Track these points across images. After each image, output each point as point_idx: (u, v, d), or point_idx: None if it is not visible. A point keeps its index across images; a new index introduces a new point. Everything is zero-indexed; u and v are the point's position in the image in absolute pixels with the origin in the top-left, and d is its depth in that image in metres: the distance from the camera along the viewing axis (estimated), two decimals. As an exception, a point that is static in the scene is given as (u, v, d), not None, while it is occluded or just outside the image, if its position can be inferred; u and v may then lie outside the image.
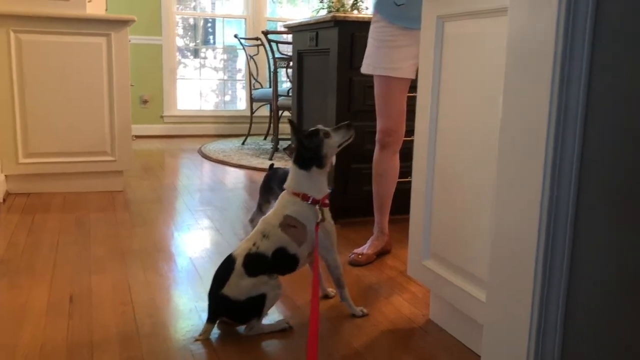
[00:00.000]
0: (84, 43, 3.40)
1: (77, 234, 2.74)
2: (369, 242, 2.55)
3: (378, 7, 2.31)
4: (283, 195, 1.89)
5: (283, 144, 5.27)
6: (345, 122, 1.93)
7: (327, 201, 1.88)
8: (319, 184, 1.85)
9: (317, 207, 1.83)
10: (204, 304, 2.00)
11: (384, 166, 2.46)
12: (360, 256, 2.47)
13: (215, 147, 5.43)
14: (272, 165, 2.74)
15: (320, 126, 1.88)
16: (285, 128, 5.60)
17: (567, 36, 1.07)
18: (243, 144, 5.66)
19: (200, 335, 1.76)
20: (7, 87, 3.30)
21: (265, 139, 5.95)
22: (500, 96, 1.25)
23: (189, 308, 1.98)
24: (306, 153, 1.83)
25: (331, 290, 2.08)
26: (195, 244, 2.68)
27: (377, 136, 2.44)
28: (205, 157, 4.98)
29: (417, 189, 1.87)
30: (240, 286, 1.74)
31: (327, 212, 1.88)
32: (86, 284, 2.15)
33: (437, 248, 1.80)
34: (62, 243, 2.60)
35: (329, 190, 1.90)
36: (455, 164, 1.69)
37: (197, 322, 1.86)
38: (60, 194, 3.45)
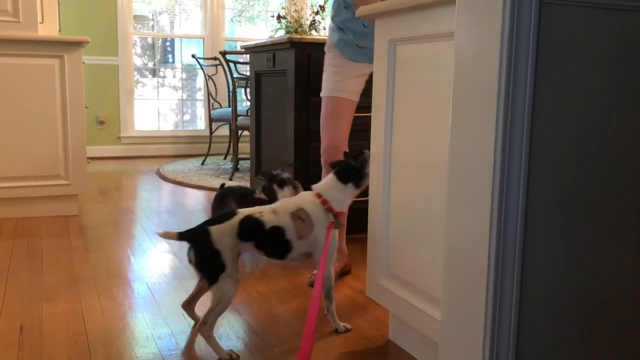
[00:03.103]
0: (36, 65, 3.32)
1: (29, 261, 2.66)
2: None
3: (341, 47, 2.41)
4: (306, 192, 2.00)
5: (243, 164, 5.25)
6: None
7: (342, 215, 2.00)
8: (344, 199, 1.98)
9: (330, 215, 1.92)
10: (161, 330, 1.97)
11: None
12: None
13: (173, 168, 5.37)
14: (223, 184, 2.81)
15: (366, 151, 1.98)
16: (244, 147, 5.59)
17: (511, 56, 1.10)
18: (202, 164, 5.62)
19: (161, 234, 1.85)
20: (-45, 111, 3.20)
21: (225, 158, 5.91)
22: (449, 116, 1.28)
23: (145, 335, 1.93)
24: (352, 170, 1.97)
25: (344, 325, 2.02)
26: (152, 269, 2.63)
27: (323, 157, 2.48)
28: (164, 178, 4.91)
29: (374, 210, 1.88)
30: (222, 239, 1.79)
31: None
32: (37, 313, 2.08)
33: (394, 268, 1.81)
34: (12, 271, 2.51)
35: (345, 209, 2.03)
36: (410, 185, 1.71)
37: (154, 350, 1.82)
38: (11, 219, 3.34)
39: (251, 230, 1.84)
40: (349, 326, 2.01)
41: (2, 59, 3.26)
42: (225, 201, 2.64)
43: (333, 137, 2.45)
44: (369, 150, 1.93)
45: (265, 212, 1.88)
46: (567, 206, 1.20)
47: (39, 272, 2.51)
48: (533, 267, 1.20)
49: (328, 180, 1.99)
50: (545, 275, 1.21)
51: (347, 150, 2.47)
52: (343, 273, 2.56)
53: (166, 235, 1.85)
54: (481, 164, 1.18)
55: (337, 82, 2.43)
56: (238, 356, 1.79)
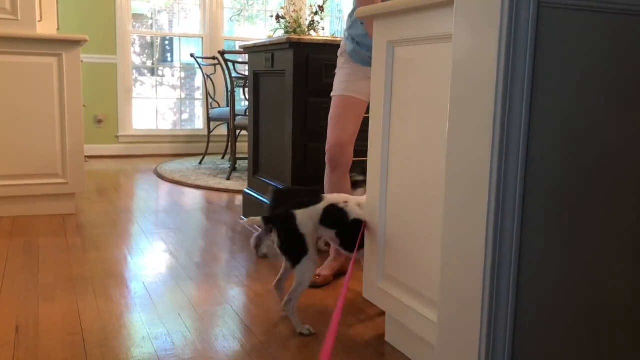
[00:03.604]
0: (35, 63, 3.32)
1: (26, 259, 2.65)
2: (326, 264, 2.55)
3: (353, 56, 2.45)
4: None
5: (241, 163, 5.25)
6: None
7: None
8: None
9: None
10: (158, 330, 1.97)
11: (335, 188, 2.49)
12: (317, 277, 2.46)
13: (171, 167, 5.37)
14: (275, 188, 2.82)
15: None
16: (242, 147, 5.59)
17: (509, 59, 1.10)
18: (200, 163, 5.61)
19: (248, 221, 1.94)
20: (-48, 109, 3.19)
21: (222, 158, 5.91)
22: (447, 118, 1.28)
23: (141, 336, 1.93)
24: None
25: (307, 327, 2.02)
26: (149, 268, 2.63)
27: (328, 155, 2.49)
28: (162, 177, 4.91)
29: (371, 211, 1.88)
30: (306, 223, 1.91)
31: None
32: (33, 312, 2.08)
33: (391, 270, 1.81)
34: (9, 270, 2.51)
35: None
36: (408, 187, 1.71)
37: (150, 350, 1.82)
38: (8, 218, 3.34)
39: (335, 219, 1.95)
40: (312, 330, 1.97)
41: (0, 57, 3.26)
42: (285, 197, 2.59)
43: (339, 136, 2.46)
44: None
45: (350, 203, 1.98)
46: (564, 208, 1.20)
47: (36, 271, 2.51)
48: (529, 270, 1.20)
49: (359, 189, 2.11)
50: (541, 278, 1.21)
51: (351, 149, 2.47)
52: (340, 274, 2.56)
53: (252, 222, 1.95)
54: (478, 166, 1.18)
55: (347, 83, 2.46)
56: (315, 333, 1.94)
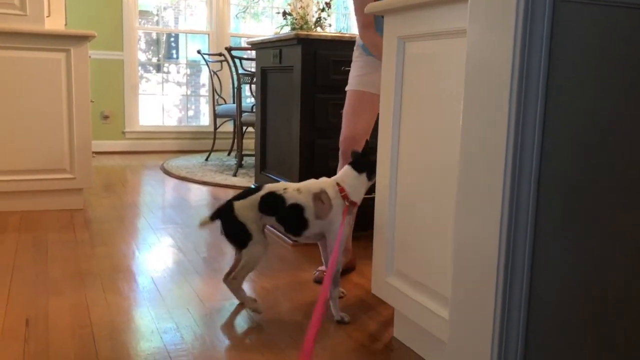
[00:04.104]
0: (43, 59, 3.33)
1: (34, 254, 2.66)
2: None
3: (366, 49, 2.44)
4: (327, 178, 2.13)
5: (247, 160, 5.26)
6: None
7: (355, 206, 2.11)
8: (358, 188, 2.09)
9: (346, 202, 2.05)
10: (166, 325, 1.97)
11: None
12: (324, 273, 2.47)
13: (178, 164, 5.38)
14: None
15: None
16: (249, 144, 5.59)
17: (524, 54, 1.10)
18: (206, 160, 5.62)
19: (200, 222, 2.05)
20: (-39, 103, 3.21)
21: (228, 154, 5.92)
22: (459, 114, 1.27)
23: (150, 330, 1.94)
24: (367, 160, 2.08)
25: (342, 315, 2.07)
26: (157, 263, 2.63)
27: (341, 147, 2.50)
28: (168, 173, 4.92)
29: (380, 206, 1.88)
30: (245, 212, 2.01)
31: (353, 213, 2.12)
32: (43, 306, 2.09)
33: (400, 265, 1.81)
34: (18, 264, 2.52)
35: (358, 201, 2.11)
36: (417, 182, 1.71)
37: (159, 345, 1.83)
38: (16, 213, 3.35)
39: (272, 206, 2.03)
40: (347, 318, 2.03)
41: (8, 52, 3.27)
42: None
43: (352, 129, 2.47)
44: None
45: (289, 190, 2.06)
46: (578, 206, 1.20)
47: (45, 265, 2.52)
48: (543, 267, 1.20)
49: (344, 169, 2.12)
50: (554, 275, 1.21)
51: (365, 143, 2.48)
52: (347, 269, 2.56)
53: (203, 223, 2.06)
54: (492, 163, 1.18)
55: (360, 77, 2.46)
56: (261, 311, 2.06)
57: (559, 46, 1.10)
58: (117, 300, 2.17)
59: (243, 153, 5.07)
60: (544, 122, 1.12)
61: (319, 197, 2.04)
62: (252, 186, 2.20)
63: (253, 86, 5.05)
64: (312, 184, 2.10)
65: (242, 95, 5.04)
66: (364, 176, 2.09)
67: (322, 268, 2.51)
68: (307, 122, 2.90)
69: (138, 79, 6.26)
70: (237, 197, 2.07)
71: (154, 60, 6.63)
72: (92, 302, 2.13)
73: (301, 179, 2.93)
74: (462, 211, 1.29)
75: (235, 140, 5.40)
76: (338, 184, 2.08)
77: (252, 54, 5.32)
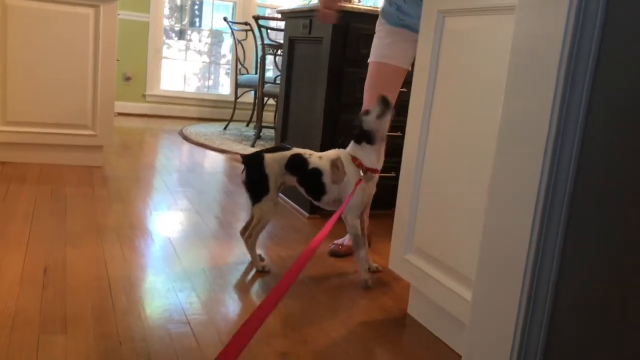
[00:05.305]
0: (72, 13, 3.32)
1: (53, 206, 2.68)
2: (348, 234, 2.55)
3: (385, 15, 2.39)
4: (344, 150, 2.20)
5: (265, 132, 5.24)
6: (380, 97, 2.14)
7: (376, 172, 2.17)
8: (369, 156, 2.14)
9: (361, 171, 2.12)
10: (183, 284, 1.99)
11: (370, 156, 2.47)
12: (340, 247, 2.47)
13: (196, 130, 5.38)
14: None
15: (370, 109, 2.16)
16: (268, 116, 5.57)
17: (575, 39, 1.07)
18: (225, 129, 5.61)
19: (233, 155, 2.28)
20: (-11, 52, 3.21)
21: (247, 125, 5.91)
22: (496, 95, 1.25)
23: (166, 287, 1.95)
24: (354, 132, 2.16)
25: (376, 265, 2.32)
26: (173, 224, 2.65)
27: None
28: (186, 139, 4.92)
29: (405, 182, 1.87)
30: (272, 165, 2.12)
31: (373, 181, 2.16)
32: (61, 256, 2.10)
33: (421, 242, 1.80)
34: (37, 214, 2.54)
35: (379, 165, 2.17)
36: (446, 161, 1.69)
37: (175, 302, 1.84)
38: (36, 165, 3.37)
39: (298, 166, 2.15)
40: (370, 282, 2.14)
41: (39, 4, 3.26)
42: None
43: (370, 105, 2.42)
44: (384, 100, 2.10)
45: (313, 155, 2.18)
46: (617, 196, 1.18)
47: (63, 217, 2.54)
48: (573, 256, 1.18)
49: (351, 145, 2.19)
50: (584, 266, 1.20)
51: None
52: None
53: (234, 158, 2.26)
54: (532, 150, 1.15)
55: (379, 48, 2.39)
56: (269, 271, 2.15)
57: (612, 34, 1.07)
58: (134, 256, 2.18)
59: (262, 125, 5.06)
60: (587, 115, 1.10)
61: (335, 164, 2.14)
62: (285, 145, 2.28)
63: (277, 58, 5.02)
64: (331, 153, 2.20)
65: (265, 66, 5.01)
66: (365, 144, 2.13)
67: (338, 241, 2.51)
68: (332, 95, 2.88)
69: (162, 43, 6.24)
70: (268, 150, 2.18)
71: (177, 26, 6.59)
72: (109, 256, 2.15)
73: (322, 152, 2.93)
74: (496, 193, 1.27)
75: (256, 111, 5.38)
76: (352, 156, 2.15)
77: (278, 24, 5.28)
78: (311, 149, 3.05)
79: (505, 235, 1.24)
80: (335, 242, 2.51)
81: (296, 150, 2.19)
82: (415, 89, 1.83)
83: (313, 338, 1.72)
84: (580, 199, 1.16)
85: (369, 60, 2.44)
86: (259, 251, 2.29)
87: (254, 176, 2.14)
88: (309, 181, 2.17)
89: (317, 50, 2.99)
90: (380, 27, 2.42)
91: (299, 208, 3.05)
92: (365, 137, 2.13)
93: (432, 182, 1.76)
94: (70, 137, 3.43)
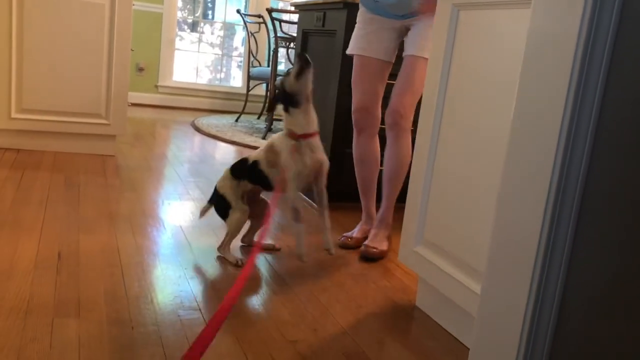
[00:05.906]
0: (88, 3, 3.34)
1: (67, 193, 2.72)
2: (358, 227, 2.56)
3: (365, 3, 2.37)
4: (280, 132, 2.20)
5: (277, 124, 5.26)
6: (297, 54, 2.20)
7: (310, 137, 2.12)
8: (299, 121, 2.11)
9: (295, 141, 2.08)
10: (194, 272, 2.01)
11: (362, 151, 2.49)
12: (350, 239, 2.48)
13: (208, 122, 5.40)
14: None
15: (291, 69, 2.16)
16: (279, 109, 5.57)
17: (590, 36, 1.07)
18: (236, 121, 5.63)
19: (200, 213, 2.31)
20: (6, 40, 3.24)
21: (258, 118, 5.92)
22: (509, 89, 1.26)
23: (178, 275, 1.97)
24: (278, 100, 2.16)
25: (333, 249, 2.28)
26: (185, 213, 2.67)
27: (353, 118, 2.47)
28: (198, 130, 4.95)
29: (416, 177, 1.88)
30: (223, 184, 2.19)
31: (311, 146, 2.11)
32: (74, 242, 2.13)
33: (431, 235, 1.81)
34: (51, 201, 2.57)
35: (311, 128, 2.12)
36: (458, 154, 1.70)
37: (186, 289, 1.87)
38: (50, 153, 3.41)
39: (240, 169, 2.19)
40: (333, 251, 2.24)
41: (55, -7, 3.29)
42: None
43: (361, 99, 2.41)
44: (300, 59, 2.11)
45: (254, 152, 2.23)
46: (629, 192, 1.18)
47: (76, 205, 2.57)
48: (583, 252, 1.19)
49: (283, 117, 2.17)
50: (592, 266, 1.20)
51: (377, 111, 2.44)
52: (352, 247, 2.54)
53: (203, 211, 2.31)
54: (544, 145, 1.16)
55: (357, 38, 2.38)
56: (243, 264, 2.11)
57: (627, 32, 1.07)
58: (147, 244, 2.21)
59: (274, 117, 5.07)
60: (600, 111, 1.10)
61: (269, 148, 2.15)
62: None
63: (290, 51, 5.03)
64: (269, 140, 2.21)
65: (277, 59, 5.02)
66: (292, 110, 2.10)
67: (347, 234, 2.52)
68: (345, 88, 2.88)
69: (175, 34, 6.26)
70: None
71: (190, 18, 6.61)
72: (122, 243, 2.17)
73: (334, 146, 2.94)
74: (508, 187, 1.28)
75: (267, 103, 5.39)
76: (285, 129, 2.13)
77: (291, 17, 5.29)
78: (322, 139, 3.07)
79: (516, 230, 1.25)
80: (345, 234, 2.52)
81: (246, 157, 2.22)
82: (428, 82, 1.83)
83: (323, 327, 1.74)
84: (592, 195, 1.16)
85: (347, 52, 2.45)
86: (269, 241, 2.32)
87: (214, 200, 2.23)
88: (254, 177, 2.17)
89: (331, 42, 2.99)
90: (359, 17, 2.41)
91: (310, 201, 3.06)
92: (290, 101, 2.10)
93: (444, 175, 1.77)
94: (84, 126, 3.46)
